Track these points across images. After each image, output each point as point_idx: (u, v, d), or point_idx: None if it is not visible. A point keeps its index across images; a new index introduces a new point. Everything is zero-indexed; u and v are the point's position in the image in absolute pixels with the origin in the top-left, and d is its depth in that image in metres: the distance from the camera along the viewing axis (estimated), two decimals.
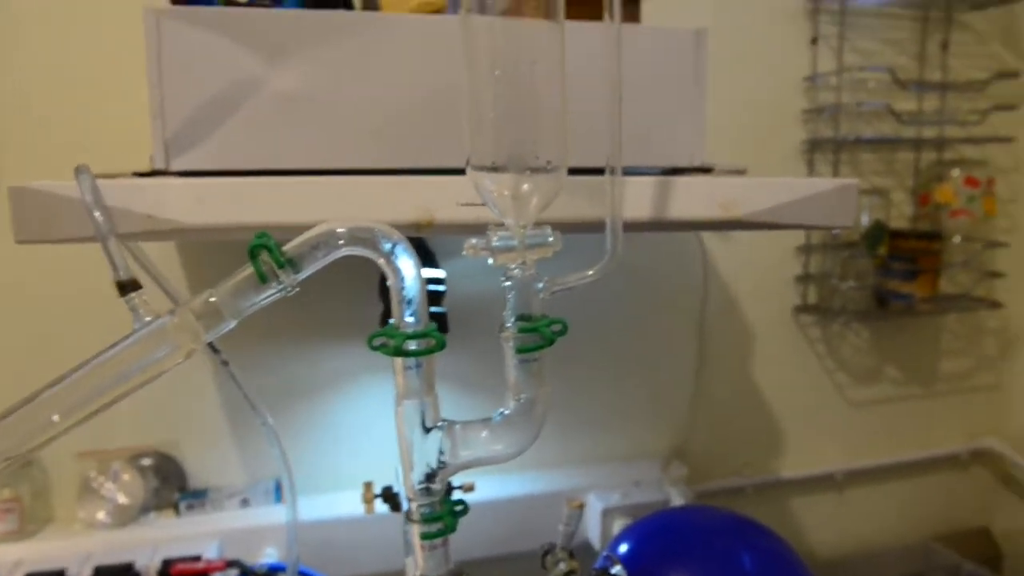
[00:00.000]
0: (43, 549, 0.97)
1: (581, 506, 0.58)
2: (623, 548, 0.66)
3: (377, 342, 0.47)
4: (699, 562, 0.62)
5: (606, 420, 1.24)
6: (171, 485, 1.05)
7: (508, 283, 0.49)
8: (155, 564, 0.94)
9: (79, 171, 0.50)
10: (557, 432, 1.20)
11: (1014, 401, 1.50)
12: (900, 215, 1.36)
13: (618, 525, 1.07)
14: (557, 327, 0.49)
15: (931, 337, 1.44)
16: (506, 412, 0.50)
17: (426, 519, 0.49)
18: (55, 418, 0.45)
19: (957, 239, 1.34)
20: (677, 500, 1.12)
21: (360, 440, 1.11)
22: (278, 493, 1.06)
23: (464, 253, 0.47)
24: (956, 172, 1.31)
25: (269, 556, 1.00)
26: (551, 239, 0.48)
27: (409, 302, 0.47)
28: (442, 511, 0.50)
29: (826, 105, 1.27)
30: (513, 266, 0.48)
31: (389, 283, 0.46)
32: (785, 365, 1.34)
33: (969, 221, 1.31)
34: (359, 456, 1.11)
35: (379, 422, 1.10)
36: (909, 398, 1.44)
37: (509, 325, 0.49)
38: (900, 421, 1.44)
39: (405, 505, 0.51)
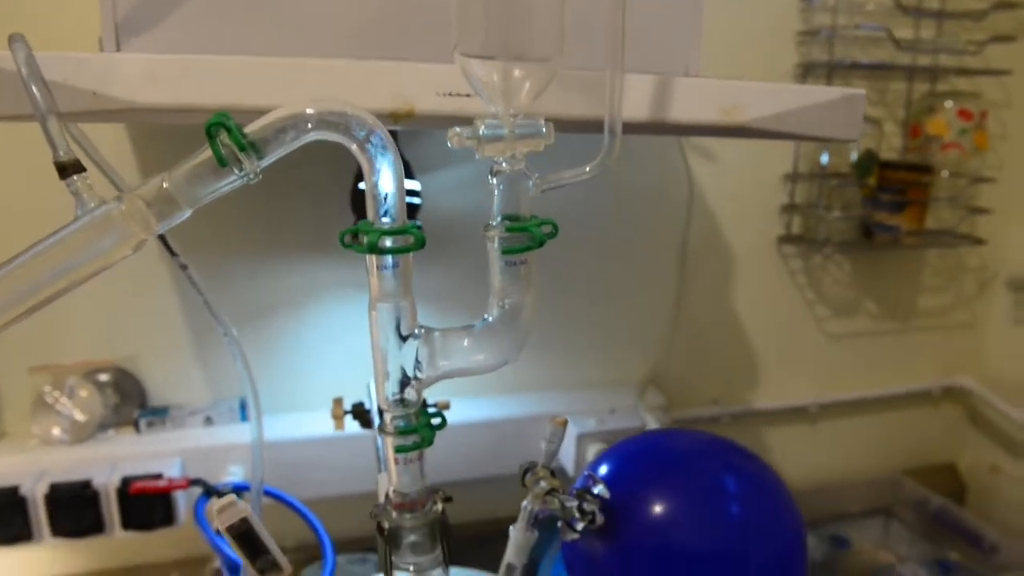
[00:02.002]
0: None
1: (565, 423, 0.55)
2: (603, 470, 0.64)
3: (349, 239, 0.43)
4: (682, 483, 0.60)
5: (583, 345, 1.21)
6: (130, 402, 1.01)
7: (495, 179, 0.45)
8: (114, 482, 0.90)
9: (13, 40, 0.44)
10: (533, 355, 1.17)
11: (988, 340, 1.50)
12: (890, 147, 1.33)
13: (592, 451, 1.06)
14: (548, 228, 0.45)
15: (911, 272, 1.43)
16: (489, 319, 0.47)
17: (401, 431, 0.46)
18: None
19: (946, 173, 1.31)
20: (653, 427, 1.10)
21: (328, 358, 1.07)
22: (243, 411, 1.02)
23: (448, 143, 0.43)
24: (950, 104, 1.28)
25: (233, 475, 0.97)
26: (544, 129, 0.44)
27: (385, 197, 0.42)
28: (418, 423, 0.46)
29: (822, 27, 1.22)
30: (501, 159, 0.44)
31: (363, 171, 0.41)
32: (765, 295, 1.32)
33: (959, 154, 1.28)
34: (327, 374, 1.07)
35: (347, 339, 1.07)
36: (886, 333, 1.43)
37: (495, 224, 0.45)
38: (875, 355, 1.43)
39: (377, 420, 0.48)
